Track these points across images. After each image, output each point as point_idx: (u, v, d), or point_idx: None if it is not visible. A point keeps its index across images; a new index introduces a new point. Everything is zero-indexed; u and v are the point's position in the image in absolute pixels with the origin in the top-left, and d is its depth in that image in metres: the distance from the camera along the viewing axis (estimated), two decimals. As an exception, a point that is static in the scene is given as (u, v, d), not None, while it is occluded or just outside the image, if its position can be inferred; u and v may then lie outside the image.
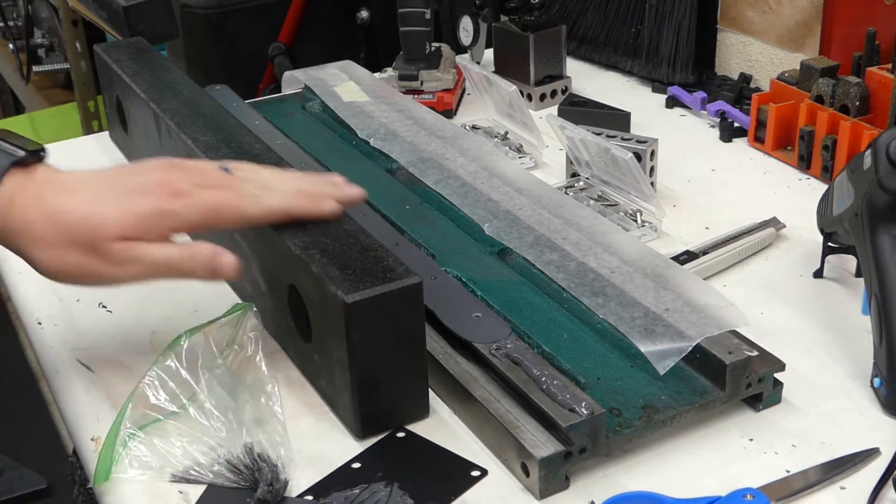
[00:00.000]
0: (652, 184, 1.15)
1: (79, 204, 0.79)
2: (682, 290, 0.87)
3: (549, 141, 1.24)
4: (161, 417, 0.81)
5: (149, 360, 0.84)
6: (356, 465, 0.79)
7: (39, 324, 0.99)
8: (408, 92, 1.38)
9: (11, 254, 1.08)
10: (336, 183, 0.88)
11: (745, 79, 1.41)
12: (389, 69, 1.43)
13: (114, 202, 0.79)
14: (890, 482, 0.75)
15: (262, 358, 0.85)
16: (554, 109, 1.37)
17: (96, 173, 0.83)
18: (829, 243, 0.99)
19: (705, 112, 1.37)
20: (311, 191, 0.86)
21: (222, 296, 1.00)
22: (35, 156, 0.81)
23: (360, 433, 0.81)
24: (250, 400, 0.82)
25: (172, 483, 0.77)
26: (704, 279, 0.95)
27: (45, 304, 1.01)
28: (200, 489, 0.77)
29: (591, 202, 1.12)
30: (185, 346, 0.84)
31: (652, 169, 1.15)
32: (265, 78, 2.21)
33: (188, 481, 0.77)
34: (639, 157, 1.12)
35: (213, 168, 0.84)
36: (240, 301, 0.98)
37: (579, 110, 1.35)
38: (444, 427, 0.83)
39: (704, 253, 1.02)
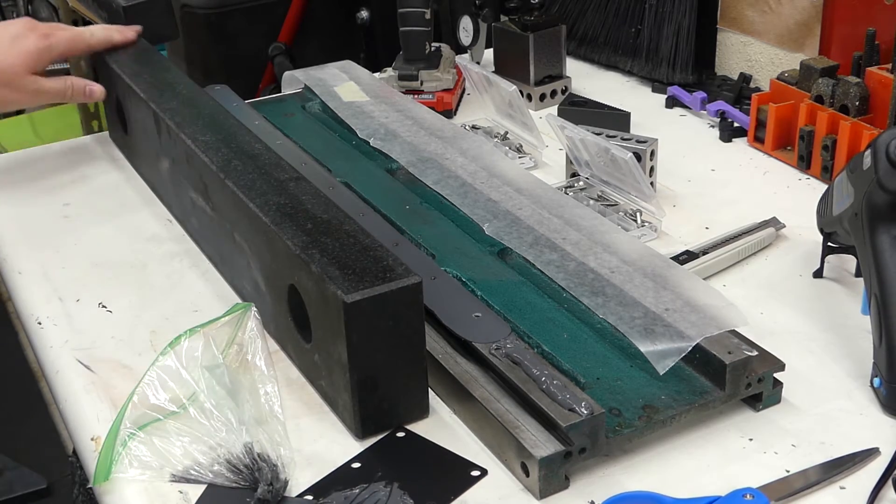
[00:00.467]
0: (652, 184, 1.15)
1: None
2: (682, 290, 0.87)
3: (549, 141, 1.24)
4: (161, 417, 0.81)
5: (149, 360, 0.85)
6: (356, 465, 0.79)
7: (39, 324, 0.99)
8: (408, 92, 1.38)
9: (11, 254, 1.09)
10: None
11: (745, 79, 1.41)
12: (389, 69, 1.43)
13: (11, 50, 1.16)
14: (890, 482, 0.75)
15: (262, 357, 0.85)
16: (554, 109, 1.37)
17: None
18: (829, 243, 1.00)
19: (705, 112, 1.37)
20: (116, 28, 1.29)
21: (222, 296, 1.00)
22: None
23: (360, 433, 0.81)
24: (250, 400, 0.82)
25: (172, 483, 0.77)
26: (704, 279, 0.95)
27: (45, 304, 1.01)
28: (200, 489, 0.77)
29: (591, 202, 1.12)
30: (185, 346, 0.84)
31: (652, 169, 1.15)
32: (265, 78, 2.21)
33: (188, 481, 0.77)
34: (639, 157, 1.12)
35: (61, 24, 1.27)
36: (240, 301, 0.98)
37: (579, 110, 1.35)
38: (444, 427, 0.83)
39: (704, 253, 1.02)
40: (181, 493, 0.77)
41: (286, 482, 0.76)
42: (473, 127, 1.33)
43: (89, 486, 0.81)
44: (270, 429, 0.80)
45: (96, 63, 1.29)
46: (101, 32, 1.26)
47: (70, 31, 1.22)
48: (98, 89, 1.23)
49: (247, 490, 0.76)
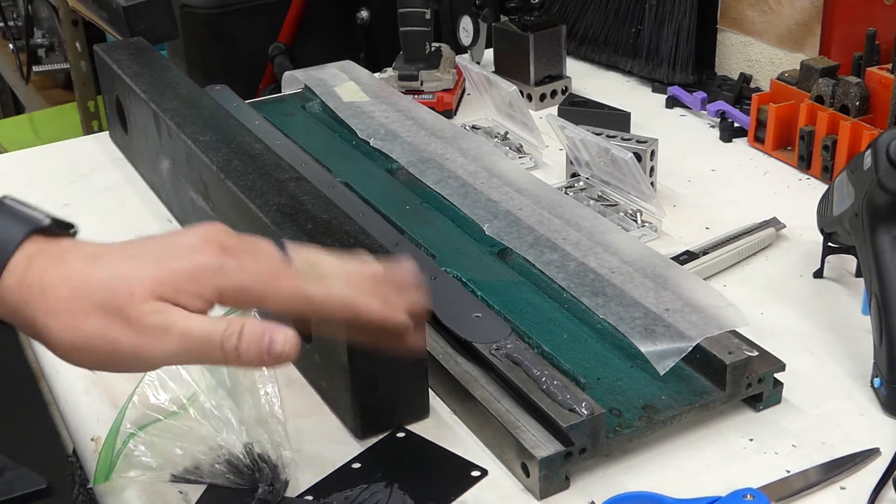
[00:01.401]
0: (652, 184, 1.15)
1: (105, 264, 0.65)
2: (682, 290, 0.87)
3: (549, 141, 1.24)
4: (161, 417, 0.81)
5: (149, 360, 0.84)
6: (356, 465, 0.79)
7: (39, 324, 0.99)
8: (408, 92, 1.38)
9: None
10: (404, 285, 0.72)
11: (745, 79, 1.41)
12: (389, 69, 1.43)
13: (147, 258, 0.65)
14: (890, 482, 0.75)
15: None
16: (554, 109, 1.37)
17: (132, 240, 0.69)
18: (829, 243, 0.99)
19: (705, 112, 1.37)
20: (378, 293, 0.70)
21: (222, 296, 1.00)
22: (62, 228, 0.68)
23: (360, 433, 0.81)
24: (250, 400, 0.82)
25: (172, 483, 0.77)
26: (704, 279, 0.95)
27: (45, 304, 1.01)
28: (200, 489, 0.77)
29: (591, 202, 1.12)
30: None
31: (652, 169, 1.15)
32: (265, 78, 2.21)
33: (188, 481, 0.77)
34: (639, 157, 1.12)
35: (267, 242, 0.69)
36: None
37: (579, 110, 1.35)
38: (444, 427, 0.83)
39: (704, 253, 1.02)
40: (181, 493, 0.77)
41: (286, 482, 0.76)
42: (473, 127, 1.32)
43: (89, 486, 0.81)
44: (270, 429, 0.80)
45: (96, 62, 1.29)
46: (346, 291, 0.68)
47: (274, 266, 0.67)
48: (291, 341, 0.65)
49: (247, 491, 0.76)
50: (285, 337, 0.64)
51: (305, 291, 0.66)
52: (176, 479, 0.77)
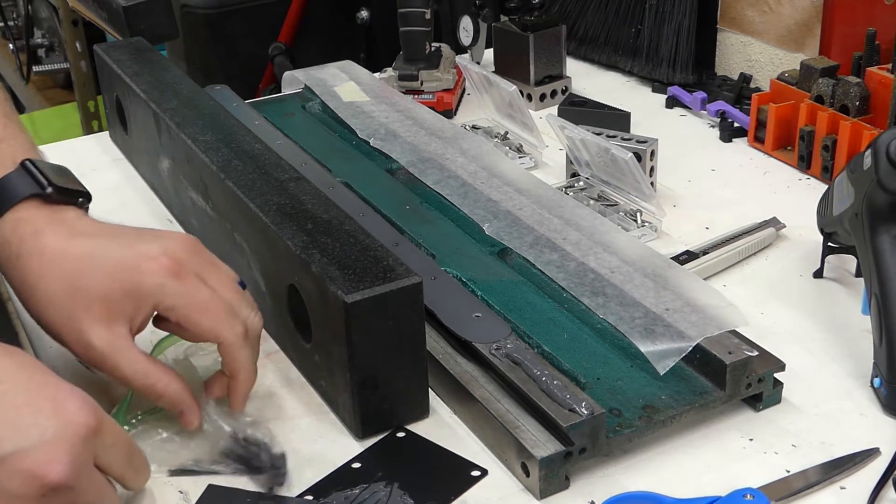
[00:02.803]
0: (652, 184, 1.15)
1: (75, 250, 0.75)
2: (682, 290, 0.87)
3: (549, 141, 1.24)
4: (156, 414, 0.81)
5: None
6: (356, 465, 0.79)
7: (39, 324, 0.99)
8: (408, 92, 1.38)
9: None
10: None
11: (745, 79, 1.41)
12: (389, 69, 1.43)
13: (108, 264, 0.74)
14: (890, 482, 0.75)
15: None
16: (554, 109, 1.37)
17: (109, 228, 0.79)
18: (829, 243, 0.99)
19: (705, 112, 1.37)
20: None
21: (222, 296, 1.00)
22: (67, 195, 0.79)
23: (360, 433, 0.81)
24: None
25: (171, 477, 0.77)
26: (704, 279, 0.95)
27: (45, 304, 1.01)
28: (200, 489, 0.77)
29: (591, 202, 1.12)
30: (176, 348, 0.84)
31: (652, 169, 1.15)
32: (265, 78, 2.21)
33: (185, 473, 0.77)
34: (639, 157, 1.12)
35: (227, 272, 0.80)
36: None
37: (579, 110, 1.35)
38: (444, 427, 0.83)
39: (704, 253, 1.02)
40: (181, 493, 0.77)
41: (283, 455, 0.77)
42: (473, 127, 1.32)
43: None
44: (259, 414, 0.80)
45: (96, 62, 1.29)
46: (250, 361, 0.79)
47: (211, 301, 0.76)
48: (194, 425, 0.77)
49: (246, 491, 0.76)
50: (190, 418, 0.77)
51: (220, 334, 0.76)
52: (173, 473, 0.78)
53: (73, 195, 0.79)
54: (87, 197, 0.81)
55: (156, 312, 0.76)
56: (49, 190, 0.77)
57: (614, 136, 1.15)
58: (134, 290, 0.74)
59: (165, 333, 0.81)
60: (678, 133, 1.33)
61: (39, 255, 0.75)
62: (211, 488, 0.77)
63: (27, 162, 0.79)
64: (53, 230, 0.76)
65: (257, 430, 0.80)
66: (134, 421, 0.81)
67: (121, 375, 0.75)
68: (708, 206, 1.15)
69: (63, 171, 0.81)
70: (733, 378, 0.81)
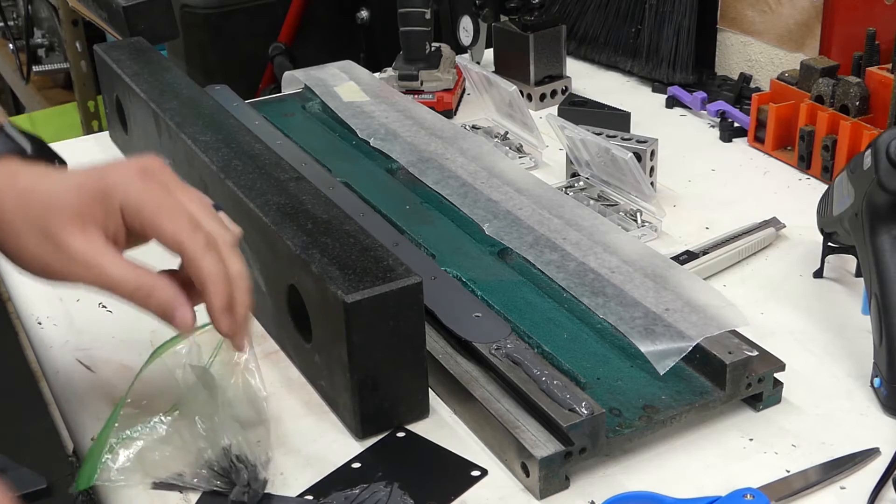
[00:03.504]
0: (652, 184, 1.15)
1: (47, 184, 0.75)
2: (682, 290, 0.87)
3: (549, 141, 1.24)
4: (148, 423, 0.81)
5: (149, 361, 0.84)
6: (356, 465, 0.79)
7: (39, 324, 0.99)
8: (408, 92, 1.38)
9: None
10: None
11: (745, 79, 1.41)
12: (389, 69, 1.43)
13: (77, 181, 0.74)
14: (890, 482, 0.75)
15: (251, 361, 0.85)
16: (554, 109, 1.37)
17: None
18: (829, 243, 0.99)
19: (705, 112, 1.37)
20: (227, 293, 0.76)
21: (222, 296, 1.00)
22: (45, 157, 0.81)
23: (360, 433, 0.81)
24: (234, 404, 0.81)
25: (154, 490, 0.77)
26: (704, 279, 0.95)
27: (45, 304, 1.01)
28: (200, 492, 0.77)
29: (591, 202, 1.12)
30: (174, 351, 0.84)
31: (652, 169, 1.15)
32: (265, 78, 2.21)
33: (169, 488, 0.77)
34: (639, 157, 1.12)
35: (199, 194, 0.78)
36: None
37: (579, 110, 1.35)
38: (444, 427, 0.83)
39: (704, 253, 1.02)
40: (181, 493, 0.77)
41: (265, 482, 0.76)
42: (473, 127, 1.32)
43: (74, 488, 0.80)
44: (254, 433, 0.80)
45: (96, 62, 1.29)
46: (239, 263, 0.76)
47: (175, 205, 0.74)
48: (188, 322, 0.74)
49: (230, 493, 0.76)
50: (183, 315, 0.73)
51: (181, 240, 0.73)
52: (157, 486, 0.77)
53: (50, 157, 0.84)
54: (63, 163, 0.85)
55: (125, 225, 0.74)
56: (28, 151, 0.81)
57: (614, 136, 1.15)
58: (100, 192, 0.73)
59: (164, 339, 0.81)
60: (678, 133, 1.33)
61: (17, 195, 0.74)
62: (207, 493, 0.76)
63: (7, 125, 0.82)
64: (30, 174, 0.76)
65: (253, 452, 0.78)
66: (116, 440, 0.80)
67: (108, 279, 0.73)
68: (708, 206, 1.15)
69: (41, 142, 0.84)
70: (733, 378, 0.81)
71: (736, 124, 1.31)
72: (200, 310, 0.98)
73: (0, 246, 0.76)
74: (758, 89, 1.37)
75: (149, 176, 0.74)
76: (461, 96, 1.45)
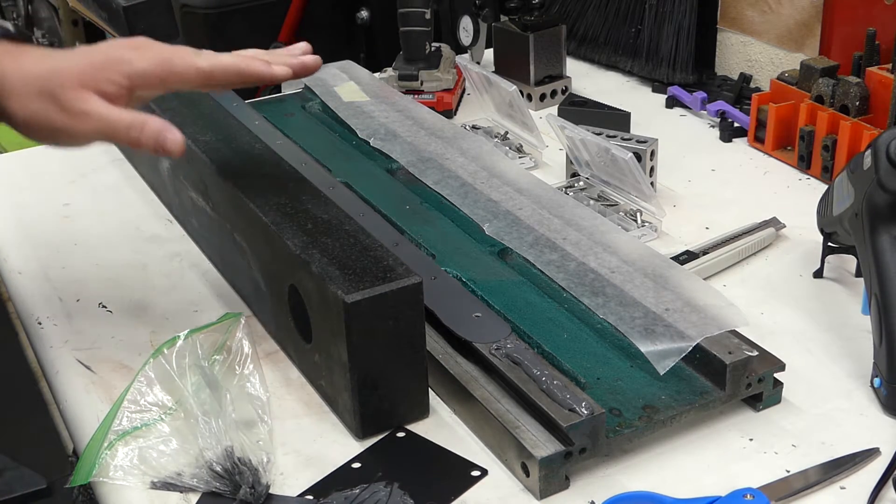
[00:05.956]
0: (652, 184, 1.15)
1: (49, 60, 0.84)
2: (682, 290, 0.87)
3: (549, 141, 1.24)
4: (147, 422, 0.81)
5: (149, 361, 0.85)
6: (356, 465, 0.79)
7: (39, 324, 0.99)
8: (408, 92, 1.38)
9: (11, 254, 1.09)
10: (294, 52, 0.92)
11: (745, 79, 1.41)
12: (389, 69, 1.43)
13: (78, 57, 0.84)
14: (890, 482, 0.75)
15: (250, 364, 0.85)
16: (554, 109, 1.37)
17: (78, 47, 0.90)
18: (829, 243, 0.99)
19: (705, 112, 1.37)
20: (265, 57, 0.89)
21: (222, 296, 1.01)
22: (25, 38, 0.88)
23: (360, 433, 0.81)
24: (235, 404, 0.81)
25: (154, 490, 0.77)
26: (704, 279, 0.95)
27: (45, 304, 1.01)
28: (199, 493, 0.77)
29: (591, 202, 1.12)
30: (174, 352, 0.84)
31: (652, 169, 1.15)
32: (265, 78, 2.21)
33: (167, 487, 0.77)
34: (639, 157, 1.12)
35: (183, 47, 0.88)
36: (240, 301, 0.98)
37: (579, 110, 1.35)
38: (444, 427, 0.83)
39: (704, 253, 1.02)
40: (181, 493, 0.77)
41: (268, 486, 0.76)
42: (473, 127, 1.32)
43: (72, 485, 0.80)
44: (254, 433, 0.80)
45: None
46: (231, 59, 0.87)
47: (172, 51, 0.85)
48: (175, 140, 0.83)
49: (229, 495, 0.75)
50: (174, 138, 0.83)
51: (195, 64, 0.84)
52: (155, 486, 0.77)
53: (27, 36, 0.89)
54: (33, 38, 0.92)
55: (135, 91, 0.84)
56: (12, 31, 0.87)
57: (614, 136, 1.15)
58: (102, 62, 0.83)
59: (164, 339, 0.81)
60: (678, 133, 1.33)
61: (20, 68, 0.82)
62: (208, 493, 0.76)
63: None
64: (30, 51, 0.85)
65: (256, 454, 0.78)
66: (116, 437, 0.80)
67: (105, 122, 0.82)
68: (708, 206, 1.15)
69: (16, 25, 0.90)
70: (733, 378, 0.81)
71: (736, 124, 1.31)
72: (200, 310, 0.99)
73: (6, 117, 0.84)
74: (758, 89, 1.37)
75: (143, 47, 0.85)
76: (461, 96, 1.45)
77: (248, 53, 0.89)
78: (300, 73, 0.90)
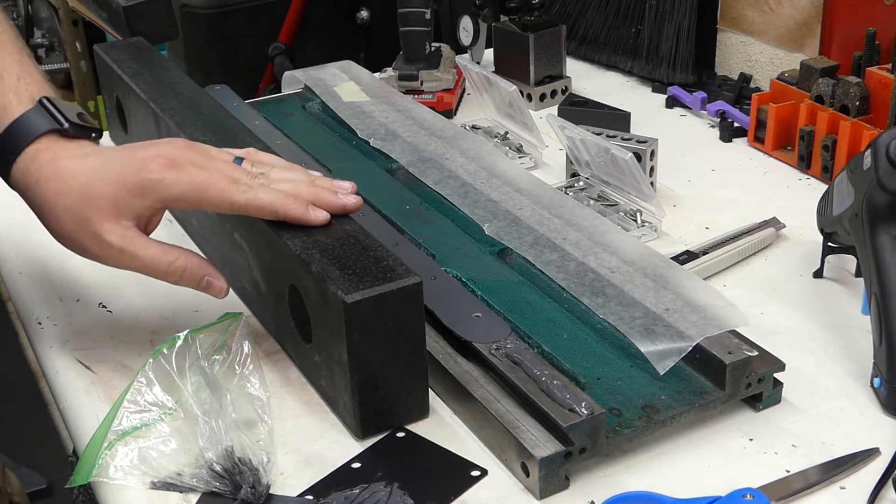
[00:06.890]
0: (652, 184, 1.15)
1: (85, 169, 0.83)
2: (682, 290, 0.87)
3: (549, 141, 1.24)
4: (147, 422, 0.81)
5: (149, 361, 0.84)
6: (356, 465, 0.79)
7: (39, 324, 0.99)
8: (408, 92, 1.38)
9: (11, 254, 1.09)
10: (337, 190, 0.88)
11: (745, 79, 1.41)
12: (389, 69, 1.43)
13: (112, 172, 0.82)
14: (890, 482, 0.75)
15: (249, 364, 0.85)
16: (554, 109, 1.37)
17: (117, 146, 0.90)
18: (829, 243, 0.99)
19: (705, 112, 1.37)
20: (306, 196, 0.85)
21: (222, 296, 1.00)
22: (81, 131, 0.86)
23: (360, 433, 0.81)
24: (235, 404, 0.81)
25: (153, 490, 0.77)
26: (704, 279, 0.95)
27: (45, 304, 1.01)
28: (199, 493, 0.77)
29: (591, 202, 1.12)
30: (174, 351, 0.84)
31: (652, 169, 1.15)
32: (265, 78, 2.21)
33: (167, 487, 0.77)
34: (639, 157, 1.12)
35: (222, 153, 0.87)
36: (240, 301, 0.98)
37: (579, 110, 1.35)
38: (444, 427, 0.83)
39: (704, 253, 1.02)
40: (181, 493, 0.77)
41: (268, 486, 0.76)
42: (473, 127, 1.32)
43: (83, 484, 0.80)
44: (254, 433, 0.80)
45: (96, 62, 1.29)
46: (268, 198, 0.84)
47: (208, 178, 0.82)
48: (223, 290, 0.86)
49: (229, 495, 0.75)
50: (219, 283, 0.85)
51: (230, 198, 0.83)
52: (155, 486, 0.77)
53: (87, 131, 0.87)
54: (99, 133, 0.88)
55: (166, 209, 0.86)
56: (66, 126, 0.85)
57: (614, 136, 1.15)
58: (137, 187, 0.82)
59: (164, 339, 0.81)
60: (678, 133, 1.33)
61: (56, 176, 0.82)
62: (207, 493, 0.76)
63: (45, 99, 0.86)
64: (68, 155, 0.84)
65: (256, 454, 0.78)
66: (116, 437, 0.80)
67: (141, 263, 0.83)
68: (708, 206, 1.15)
69: (77, 109, 0.88)
70: (733, 378, 0.81)
71: (736, 124, 1.31)
72: (200, 310, 0.98)
73: (44, 224, 0.85)
74: (758, 89, 1.37)
75: (180, 165, 0.83)
76: (461, 96, 1.45)
77: (289, 190, 0.84)
78: (339, 215, 0.87)
